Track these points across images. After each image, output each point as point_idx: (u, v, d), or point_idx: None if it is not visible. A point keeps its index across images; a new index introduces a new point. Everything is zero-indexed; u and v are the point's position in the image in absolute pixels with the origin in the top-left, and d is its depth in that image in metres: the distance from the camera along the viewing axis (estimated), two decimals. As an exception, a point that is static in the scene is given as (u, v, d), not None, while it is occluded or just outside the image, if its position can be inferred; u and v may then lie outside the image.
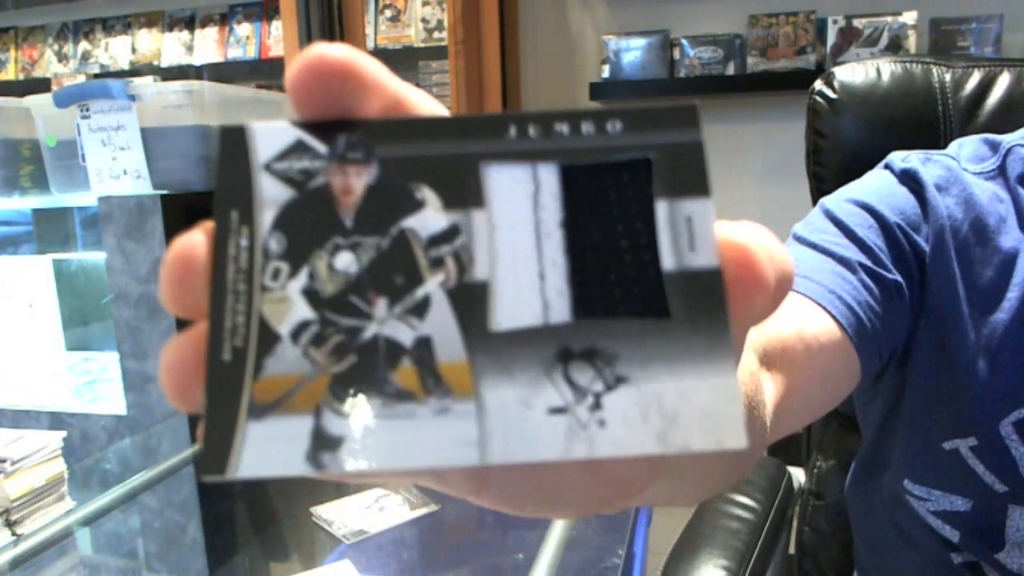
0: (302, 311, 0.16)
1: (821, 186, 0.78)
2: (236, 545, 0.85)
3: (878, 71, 0.76)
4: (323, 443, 0.15)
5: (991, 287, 0.54)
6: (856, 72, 0.77)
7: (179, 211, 1.11)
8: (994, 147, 0.57)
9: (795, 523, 0.91)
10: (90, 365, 1.41)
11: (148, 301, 1.10)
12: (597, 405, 0.16)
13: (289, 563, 0.78)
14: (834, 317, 0.47)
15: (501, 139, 0.17)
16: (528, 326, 0.16)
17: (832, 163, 0.78)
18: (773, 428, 0.34)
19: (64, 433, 0.86)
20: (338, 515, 0.79)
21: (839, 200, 0.56)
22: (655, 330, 0.16)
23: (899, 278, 0.52)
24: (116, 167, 1.14)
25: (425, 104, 0.18)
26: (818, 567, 0.89)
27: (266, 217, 0.17)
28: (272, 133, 0.17)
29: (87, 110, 1.14)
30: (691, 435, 0.15)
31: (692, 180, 0.17)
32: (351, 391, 0.16)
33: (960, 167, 0.56)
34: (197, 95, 1.13)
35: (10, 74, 2.67)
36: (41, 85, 2.57)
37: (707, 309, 0.16)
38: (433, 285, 0.16)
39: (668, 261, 0.16)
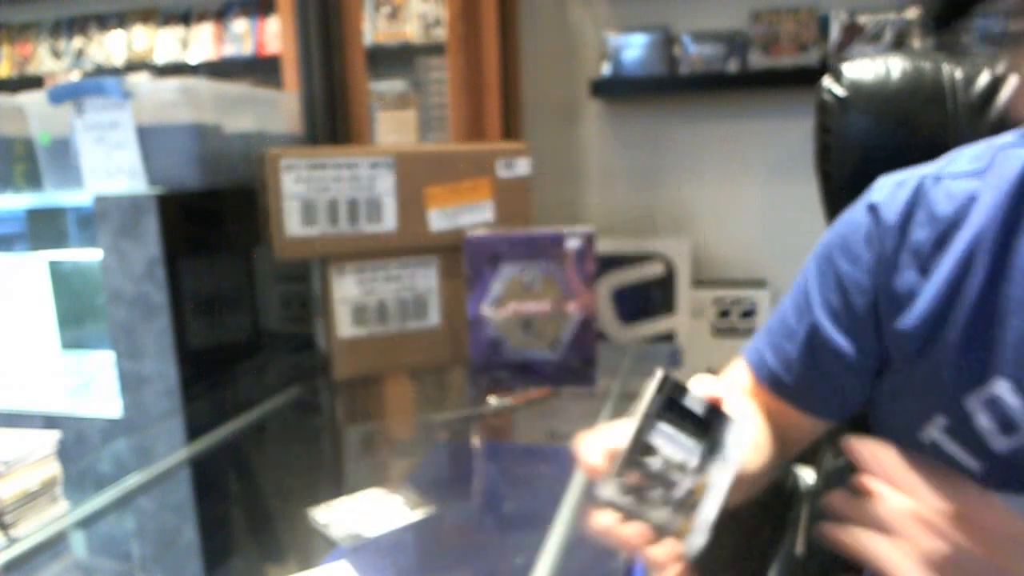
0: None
1: (830, 184, 0.77)
2: (232, 548, 0.84)
3: (887, 68, 0.76)
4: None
5: (952, 281, 0.56)
6: (865, 68, 0.76)
7: (175, 210, 1.10)
8: (993, 147, 0.59)
9: (803, 522, 0.91)
10: (85, 365, 1.40)
11: (143, 301, 1.09)
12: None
13: (285, 566, 0.77)
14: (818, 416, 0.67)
15: None
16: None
17: (841, 160, 0.77)
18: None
19: (59, 434, 0.85)
20: (335, 517, 0.78)
21: (812, 270, 0.64)
22: None
23: (850, 341, 0.61)
24: (111, 165, 1.13)
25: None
26: (825, 567, 0.89)
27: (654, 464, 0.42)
28: (692, 401, 0.32)
29: (82, 107, 1.13)
30: None
31: None
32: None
33: (934, 181, 0.58)
34: (193, 92, 1.12)
35: (3, 71, 2.65)
36: (35, 82, 2.56)
37: None
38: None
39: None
